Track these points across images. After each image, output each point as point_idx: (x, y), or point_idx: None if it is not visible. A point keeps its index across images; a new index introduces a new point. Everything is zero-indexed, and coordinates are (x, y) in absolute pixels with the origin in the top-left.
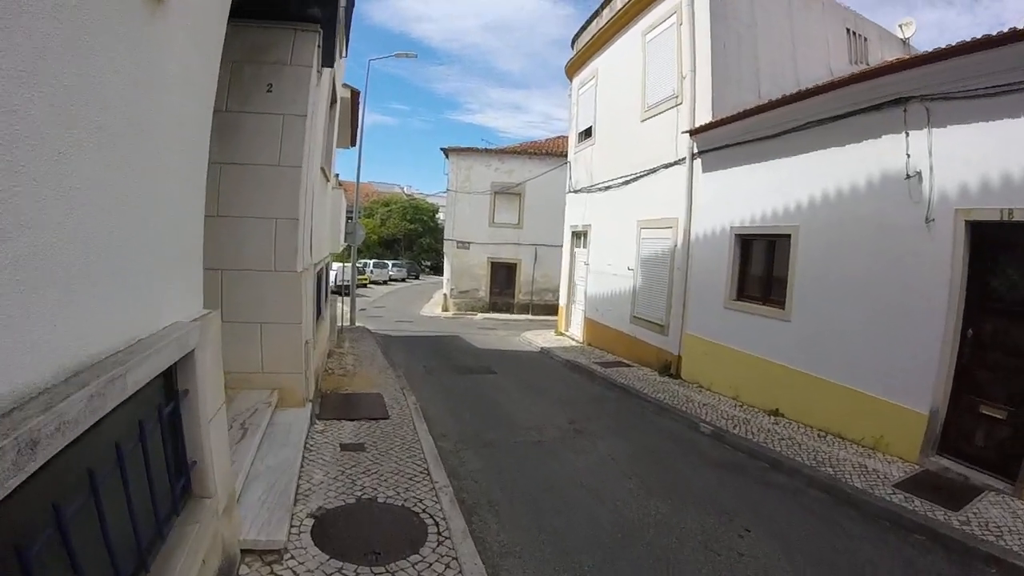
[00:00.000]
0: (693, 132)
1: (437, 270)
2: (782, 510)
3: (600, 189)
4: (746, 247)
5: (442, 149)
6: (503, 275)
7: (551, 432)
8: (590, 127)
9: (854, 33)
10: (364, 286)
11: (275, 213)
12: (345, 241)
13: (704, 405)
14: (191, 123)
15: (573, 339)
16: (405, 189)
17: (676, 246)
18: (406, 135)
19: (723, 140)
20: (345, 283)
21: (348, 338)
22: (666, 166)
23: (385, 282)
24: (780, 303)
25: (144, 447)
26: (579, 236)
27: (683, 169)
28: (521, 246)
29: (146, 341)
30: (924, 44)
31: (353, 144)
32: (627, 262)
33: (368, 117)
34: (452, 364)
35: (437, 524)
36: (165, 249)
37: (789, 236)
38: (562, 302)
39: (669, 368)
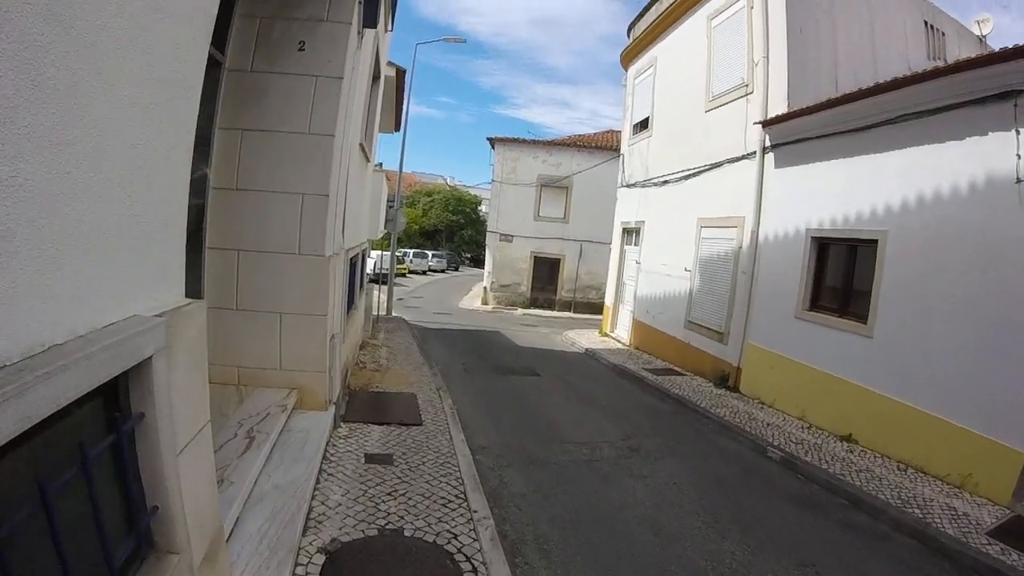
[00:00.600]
0: (766, 123)
1: (477, 262)
2: (871, 561)
3: (656, 184)
4: (823, 252)
5: (488, 139)
6: (546, 270)
7: (604, 449)
8: (647, 118)
9: (932, 27)
10: (403, 275)
11: (303, 188)
12: (385, 228)
13: (768, 425)
14: (169, 28)
15: (619, 341)
16: (448, 180)
17: (741, 247)
18: (452, 128)
19: (801, 133)
20: (383, 271)
21: (383, 328)
22: (732, 160)
23: (424, 272)
24: (861, 316)
25: (86, 490)
26: (630, 233)
27: (752, 164)
28: (566, 241)
29: (65, 347)
30: (996, 44)
31: (397, 129)
32: (683, 262)
33: (414, 109)
34: (492, 363)
35: (475, 570)
36: (122, 215)
37: (875, 242)
38: (608, 302)
39: (727, 380)
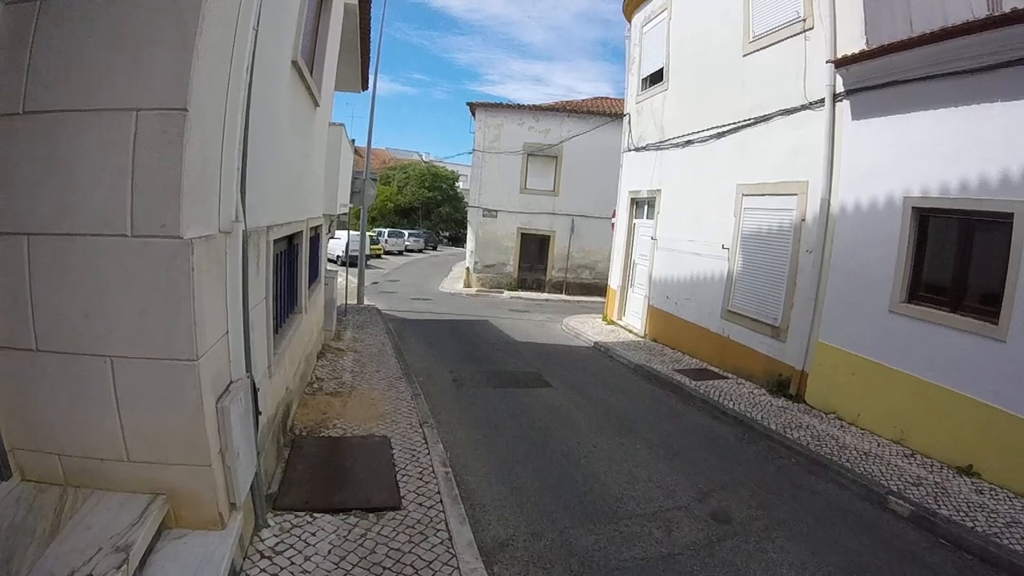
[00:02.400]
0: (845, 62)
1: (456, 241)
2: None
3: (676, 145)
4: (927, 228)
5: (468, 104)
6: (534, 248)
7: (681, 526)
8: (660, 70)
9: None
10: (377, 257)
11: (137, 99)
12: (352, 202)
13: (866, 455)
14: None
15: (630, 331)
16: (424, 156)
17: (805, 220)
18: (426, 105)
19: (894, 74)
20: (353, 254)
21: (352, 324)
22: (786, 112)
23: (400, 252)
24: (989, 313)
25: None
26: (641, 204)
27: (818, 115)
28: (556, 216)
29: None
30: None
31: (365, 87)
32: (719, 238)
33: (386, 86)
34: (488, 367)
35: None
36: None
37: (1009, 217)
38: (614, 284)
39: (786, 386)
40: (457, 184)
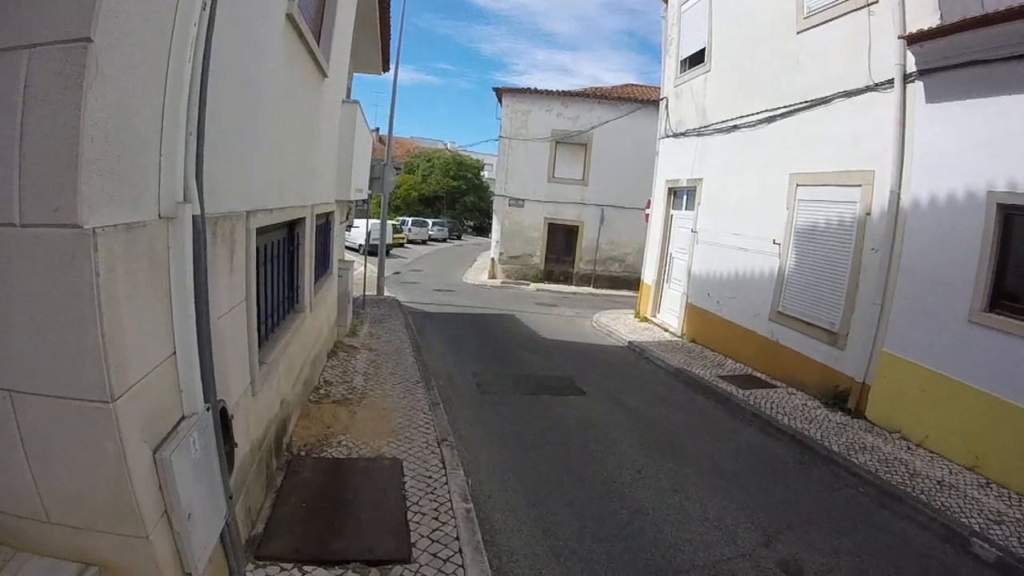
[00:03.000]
0: (917, 38)
1: (481, 231)
2: None
3: (720, 130)
4: (1014, 227)
5: (495, 89)
6: (562, 239)
7: None
8: (702, 50)
9: None
10: (400, 246)
11: (34, 31)
12: (372, 189)
13: (940, 484)
14: None
15: (666, 329)
16: (449, 145)
17: (870, 214)
18: (452, 95)
19: (974, 52)
20: (375, 243)
21: (369, 317)
22: (848, 94)
23: (424, 242)
24: None
25: None
26: (680, 194)
27: (887, 98)
28: (585, 206)
29: None
30: None
31: (386, 68)
32: (768, 233)
33: (413, 76)
34: (515, 371)
35: None
36: None
37: None
38: (648, 278)
39: (844, 399)
40: (482, 173)
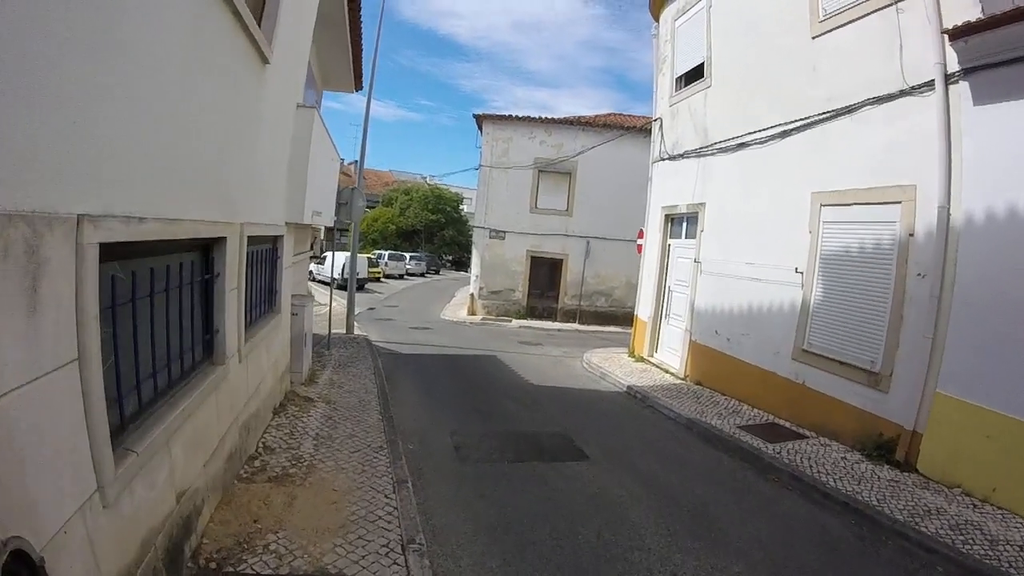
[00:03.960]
0: (962, 32)
1: (460, 265)
2: None
3: (724, 149)
4: None
5: (475, 115)
6: (545, 273)
7: None
8: (700, 64)
9: None
10: (376, 280)
11: None
12: (339, 216)
13: (1022, 549)
14: None
15: (666, 370)
16: (428, 178)
17: (913, 235)
18: (432, 131)
19: None
20: (358, 276)
21: (334, 361)
22: (878, 100)
23: (401, 276)
24: None
25: None
26: (679, 221)
27: (926, 102)
28: (569, 238)
29: None
30: None
31: (359, 86)
32: (789, 260)
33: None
34: (501, 427)
35: None
36: None
37: None
38: (643, 314)
39: (889, 450)
40: (461, 207)
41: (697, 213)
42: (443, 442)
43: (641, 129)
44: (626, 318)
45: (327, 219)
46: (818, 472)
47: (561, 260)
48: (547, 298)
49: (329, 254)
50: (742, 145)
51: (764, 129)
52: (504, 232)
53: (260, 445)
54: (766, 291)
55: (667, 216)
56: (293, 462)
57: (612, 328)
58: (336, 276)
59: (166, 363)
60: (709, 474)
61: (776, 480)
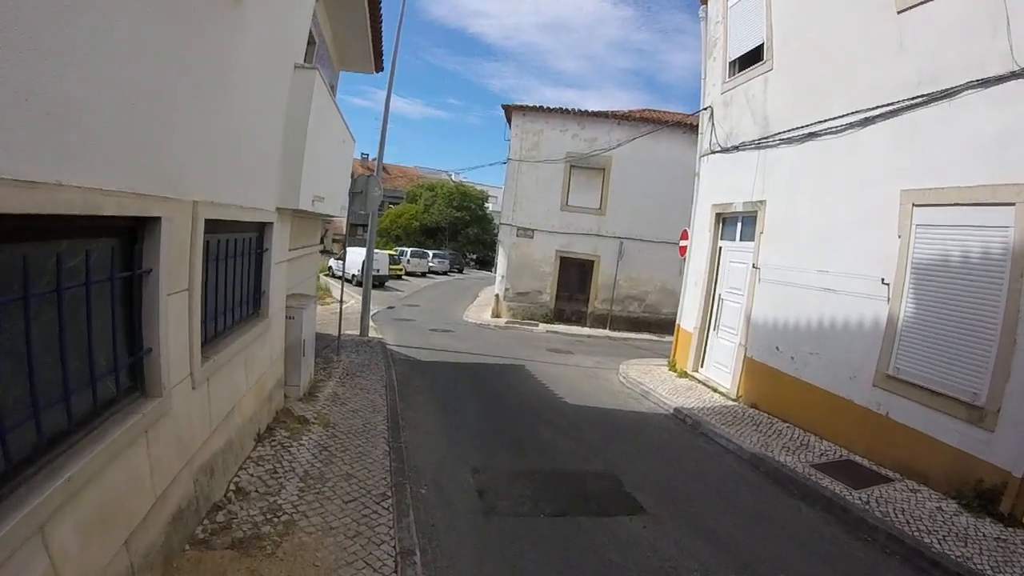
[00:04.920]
0: None
1: (484, 264)
2: None
3: (789, 140)
4: None
5: (504, 107)
6: (575, 275)
7: None
8: (759, 46)
9: None
10: (398, 277)
11: None
12: (352, 206)
13: None
14: None
15: (715, 389)
16: (453, 175)
17: None
18: (460, 130)
19: None
20: (378, 273)
21: (341, 369)
22: (983, 83)
23: (423, 274)
24: None
25: None
26: (732, 221)
27: None
28: (602, 238)
29: None
30: None
31: (379, 67)
32: (870, 269)
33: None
34: (533, 463)
35: None
36: None
37: None
38: (687, 324)
39: (993, 499)
40: (487, 204)
41: (756, 212)
42: (464, 483)
43: (679, 124)
44: (660, 325)
45: (334, 208)
46: (917, 530)
47: (592, 261)
48: (576, 301)
49: (348, 250)
50: (811, 135)
51: (838, 117)
52: (532, 230)
53: (231, 488)
54: (841, 304)
55: (719, 215)
56: (268, 515)
57: (645, 336)
58: (356, 273)
59: (60, 399)
60: (793, 534)
61: (871, 540)
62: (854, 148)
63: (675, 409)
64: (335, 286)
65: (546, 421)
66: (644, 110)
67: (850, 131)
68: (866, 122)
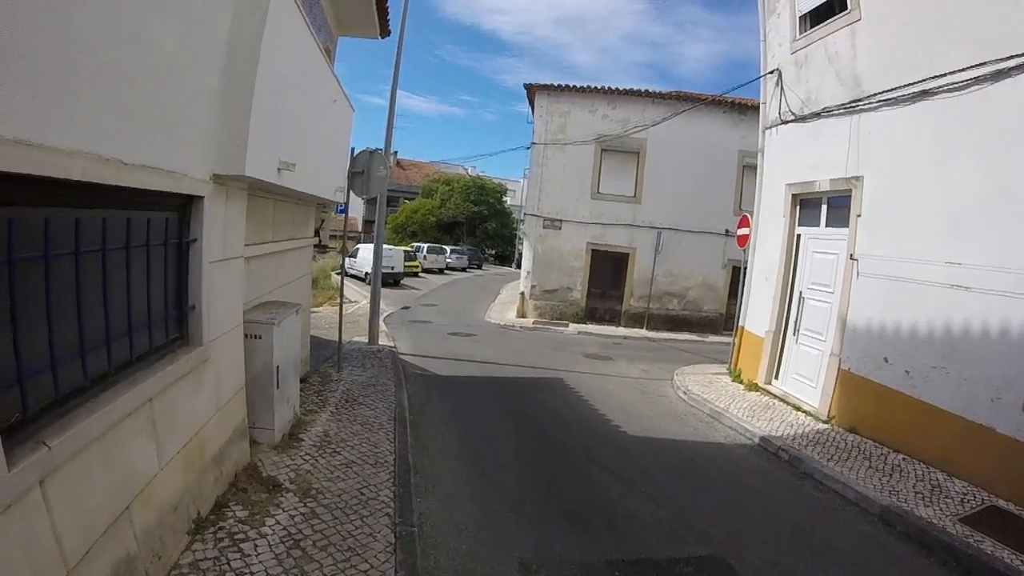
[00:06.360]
0: None
1: (503, 259)
2: None
3: (892, 102)
4: None
5: (526, 86)
6: (608, 270)
7: None
8: None
9: None
10: (414, 275)
11: None
12: (353, 188)
13: None
14: None
15: (797, 407)
16: (469, 170)
17: None
18: (474, 126)
19: None
20: (386, 270)
21: (339, 393)
22: None
23: (441, 271)
24: None
25: None
26: (814, 203)
27: None
28: (638, 228)
29: None
30: None
31: (385, 31)
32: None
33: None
34: (605, 547)
35: None
36: None
37: None
38: (755, 326)
39: None
40: (505, 198)
41: (849, 192)
42: None
43: (718, 103)
44: (701, 324)
45: (320, 186)
46: None
47: (627, 255)
48: (610, 299)
49: (360, 246)
50: (923, 94)
51: (961, 70)
52: (560, 221)
53: None
54: (978, 305)
55: (796, 197)
56: None
57: (686, 336)
58: (368, 271)
59: None
60: None
61: None
62: (988, 108)
63: (761, 439)
64: (350, 286)
65: (608, 467)
66: (676, 92)
67: (979, 87)
68: (998, 75)
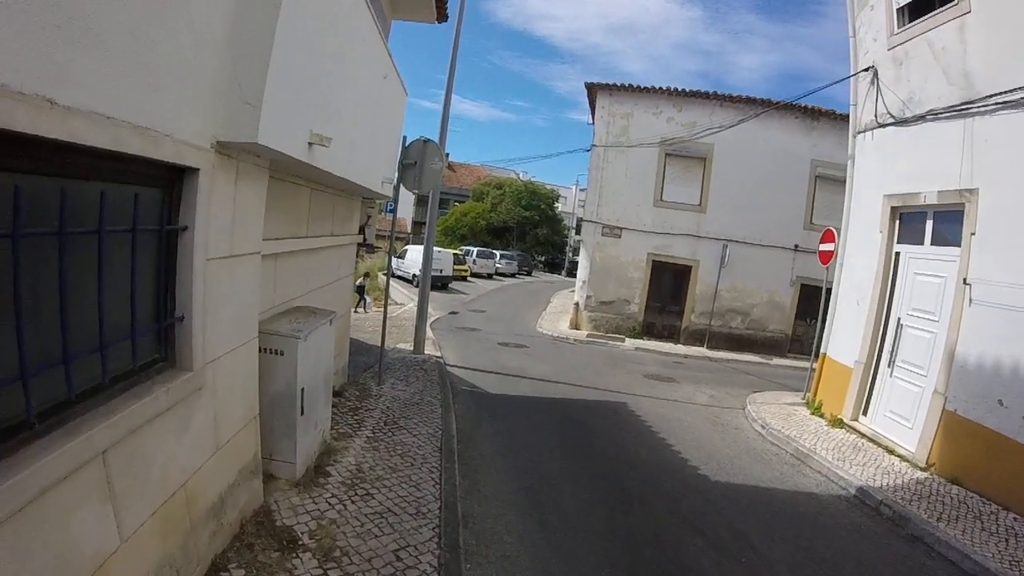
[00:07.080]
0: None
1: (553, 267)
2: None
3: (1015, 105)
4: None
5: (587, 85)
6: (669, 283)
7: None
8: None
9: None
10: (463, 279)
11: None
12: (404, 182)
13: None
14: None
15: (888, 448)
16: (521, 175)
17: None
18: (526, 132)
19: None
20: (435, 273)
21: (378, 412)
22: None
23: (490, 276)
24: None
25: None
26: (917, 219)
27: None
28: (702, 240)
29: None
30: None
31: (442, 16)
32: None
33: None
34: None
35: None
36: None
37: None
38: (842, 355)
39: None
40: (557, 204)
41: (962, 206)
42: None
43: (791, 107)
44: (766, 344)
45: (364, 174)
46: None
47: (689, 267)
48: (669, 313)
49: (409, 247)
50: None
51: None
52: (620, 229)
53: None
54: None
55: (895, 210)
56: None
57: (749, 356)
58: (416, 273)
59: None
60: None
61: None
62: None
63: (858, 489)
64: (396, 287)
65: (694, 524)
66: (746, 95)
67: None
68: None
